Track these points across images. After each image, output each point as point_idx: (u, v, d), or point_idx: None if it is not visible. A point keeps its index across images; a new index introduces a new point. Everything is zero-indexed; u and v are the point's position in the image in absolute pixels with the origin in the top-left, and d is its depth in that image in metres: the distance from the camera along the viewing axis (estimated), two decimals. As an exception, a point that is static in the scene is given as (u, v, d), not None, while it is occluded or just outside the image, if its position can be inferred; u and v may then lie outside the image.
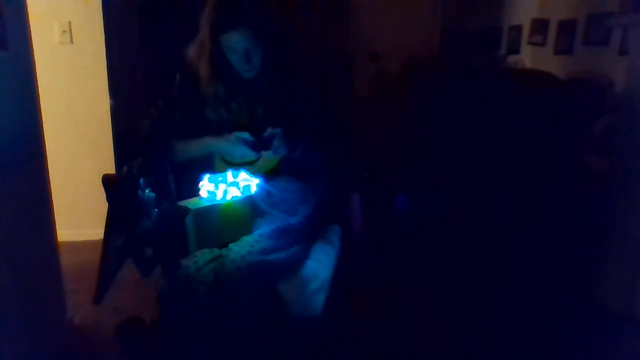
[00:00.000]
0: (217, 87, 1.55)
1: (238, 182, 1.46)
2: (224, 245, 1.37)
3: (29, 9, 1.67)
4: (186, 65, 1.56)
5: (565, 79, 2.75)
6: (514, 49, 4.31)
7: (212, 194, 1.43)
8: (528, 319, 1.85)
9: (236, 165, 1.54)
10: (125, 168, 1.47)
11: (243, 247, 1.34)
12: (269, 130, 1.52)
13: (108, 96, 2.64)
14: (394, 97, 2.94)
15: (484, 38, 4.69)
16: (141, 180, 1.39)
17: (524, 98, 2.02)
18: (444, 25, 4.45)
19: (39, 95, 1.75)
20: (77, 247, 2.48)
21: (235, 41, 1.47)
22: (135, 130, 1.62)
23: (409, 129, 2.58)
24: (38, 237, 1.74)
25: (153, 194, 1.39)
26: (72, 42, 2.57)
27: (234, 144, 1.51)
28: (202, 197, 1.43)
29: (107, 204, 1.42)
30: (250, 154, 1.52)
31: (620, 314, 1.97)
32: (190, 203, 1.39)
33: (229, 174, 1.46)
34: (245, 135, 1.51)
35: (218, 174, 1.46)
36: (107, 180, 1.40)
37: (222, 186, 1.43)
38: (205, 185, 1.43)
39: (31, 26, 1.69)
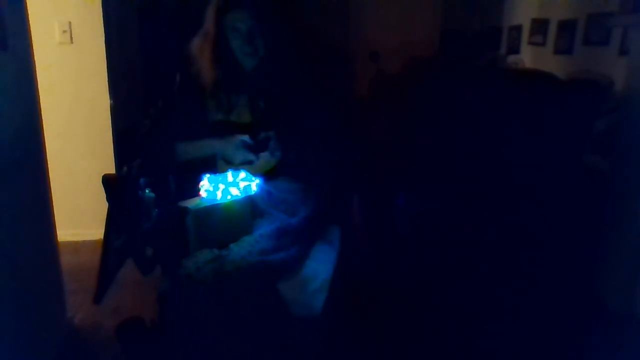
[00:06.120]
0: (218, 83, 1.55)
1: (238, 182, 1.46)
2: (224, 245, 1.37)
3: (29, 9, 1.67)
4: (187, 64, 1.56)
5: (565, 79, 2.74)
6: (514, 49, 4.30)
7: (211, 194, 1.43)
8: (528, 318, 1.84)
9: (237, 165, 1.54)
10: (125, 168, 1.48)
11: (243, 248, 1.34)
12: (263, 134, 1.53)
13: (108, 96, 2.64)
14: (394, 97, 2.94)
15: (484, 38, 4.68)
16: (141, 180, 1.39)
17: (524, 98, 2.02)
18: (444, 25, 4.44)
19: (39, 95, 1.75)
20: (77, 247, 2.48)
21: (238, 20, 1.48)
22: (135, 130, 1.62)
23: (409, 129, 2.58)
24: (38, 237, 1.74)
25: (153, 194, 1.39)
26: (72, 42, 2.57)
27: (235, 147, 1.52)
28: (202, 197, 1.43)
29: (107, 204, 1.42)
30: (250, 157, 1.52)
31: (620, 313, 1.97)
32: (190, 203, 1.39)
33: (229, 174, 1.46)
34: (246, 138, 1.51)
35: (218, 175, 1.46)
36: (107, 180, 1.40)
37: (221, 186, 1.44)
38: (205, 186, 1.43)
39: (31, 26, 1.69)
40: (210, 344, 1.30)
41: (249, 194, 1.47)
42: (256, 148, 1.52)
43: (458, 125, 2.21)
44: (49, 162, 1.82)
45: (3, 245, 1.42)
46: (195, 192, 1.45)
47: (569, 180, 1.93)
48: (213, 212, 1.39)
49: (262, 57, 1.54)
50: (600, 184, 2.10)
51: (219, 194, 1.43)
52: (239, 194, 1.45)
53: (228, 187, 1.45)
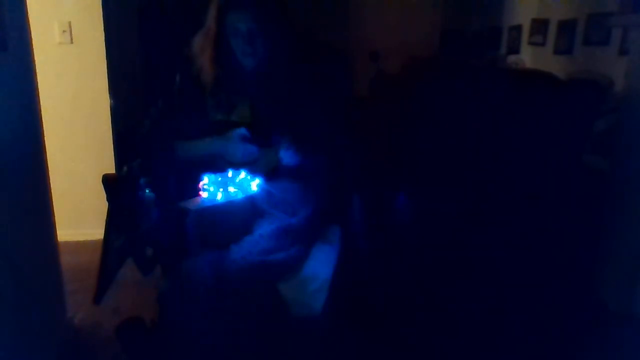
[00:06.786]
0: (219, 82, 1.55)
1: (238, 182, 1.46)
2: (224, 245, 1.37)
3: (29, 9, 1.67)
4: (187, 64, 1.56)
5: (565, 79, 2.74)
6: (514, 49, 4.30)
7: (212, 194, 1.43)
8: (529, 318, 1.85)
9: (237, 165, 1.54)
10: (125, 168, 1.48)
11: (243, 248, 1.34)
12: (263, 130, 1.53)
13: (108, 96, 2.64)
14: (394, 97, 2.94)
15: (484, 38, 4.68)
16: (141, 180, 1.39)
17: (524, 98, 2.02)
18: (444, 25, 4.45)
19: (39, 95, 1.75)
20: (77, 247, 2.48)
21: (238, 20, 1.48)
22: (135, 130, 1.62)
23: (409, 129, 2.58)
24: (38, 237, 1.74)
25: (153, 194, 1.39)
26: (72, 42, 2.57)
27: (234, 142, 1.52)
28: (202, 198, 1.43)
29: (107, 204, 1.42)
30: (251, 150, 1.52)
31: (620, 313, 1.97)
32: (190, 203, 1.39)
33: (229, 174, 1.46)
34: (243, 131, 1.51)
35: (218, 174, 1.46)
36: (107, 180, 1.40)
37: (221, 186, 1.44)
38: (205, 186, 1.43)
39: (31, 26, 1.69)
40: (210, 344, 1.30)
41: (249, 193, 1.47)
42: (256, 141, 1.52)
43: (458, 126, 2.22)
44: (49, 162, 1.82)
45: (3, 245, 1.42)
46: (195, 192, 1.45)
47: (569, 181, 1.93)
48: (213, 212, 1.39)
49: (263, 57, 1.53)
50: (600, 184, 2.10)
51: (219, 195, 1.43)
52: (239, 194, 1.45)
53: (228, 187, 1.45)
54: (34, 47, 1.71)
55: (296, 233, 1.42)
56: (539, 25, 3.94)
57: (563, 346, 1.77)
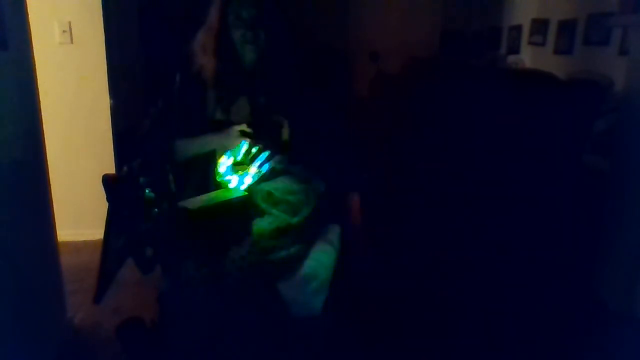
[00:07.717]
0: (219, 80, 1.55)
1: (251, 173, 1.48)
2: (224, 245, 1.37)
3: (29, 9, 1.67)
4: (187, 63, 1.56)
5: (565, 79, 2.75)
6: (514, 49, 4.31)
7: (228, 173, 1.47)
8: (529, 319, 1.85)
9: (237, 163, 1.54)
10: (125, 168, 1.48)
11: (243, 247, 1.34)
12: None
13: (108, 96, 2.64)
14: (394, 97, 2.94)
15: (484, 38, 4.68)
16: (141, 180, 1.39)
17: (524, 98, 2.02)
18: (444, 25, 4.45)
19: (39, 95, 1.75)
20: (77, 247, 2.48)
21: (242, 7, 1.48)
22: (135, 130, 1.62)
23: (409, 129, 2.58)
24: (38, 237, 1.74)
25: (153, 194, 1.39)
26: (72, 42, 2.57)
27: (234, 138, 1.52)
28: (202, 197, 1.43)
29: (107, 204, 1.42)
30: (250, 148, 1.52)
31: (620, 313, 1.97)
32: (190, 203, 1.39)
33: (244, 147, 1.49)
34: (244, 127, 1.51)
35: (237, 148, 1.49)
36: (107, 180, 1.41)
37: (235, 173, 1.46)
38: (225, 163, 1.46)
39: (31, 26, 1.69)
40: (210, 344, 1.30)
41: (249, 193, 1.47)
42: (256, 139, 1.53)
43: (458, 126, 2.22)
44: (49, 162, 1.82)
45: (3, 245, 1.42)
46: (196, 190, 1.45)
47: (569, 180, 1.93)
48: (213, 212, 1.39)
49: (263, 53, 1.54)
50: (600, 184, 2.10)
51: (233, 180, 1.45)
52: (251, 181, 1.47)
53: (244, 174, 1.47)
54: (34, 47, 1.71)
55: (296, 233, 1.42)
56: (539, 25, 3.94)
57: (563, 346, 1.77)
